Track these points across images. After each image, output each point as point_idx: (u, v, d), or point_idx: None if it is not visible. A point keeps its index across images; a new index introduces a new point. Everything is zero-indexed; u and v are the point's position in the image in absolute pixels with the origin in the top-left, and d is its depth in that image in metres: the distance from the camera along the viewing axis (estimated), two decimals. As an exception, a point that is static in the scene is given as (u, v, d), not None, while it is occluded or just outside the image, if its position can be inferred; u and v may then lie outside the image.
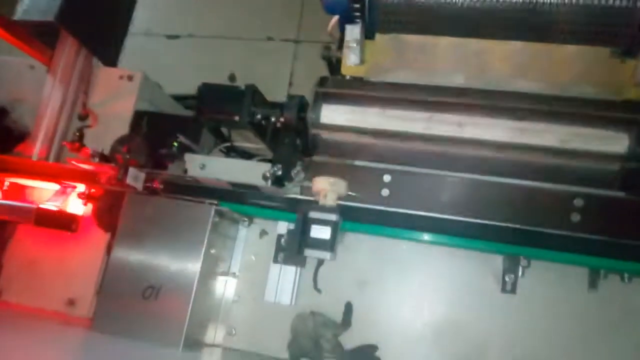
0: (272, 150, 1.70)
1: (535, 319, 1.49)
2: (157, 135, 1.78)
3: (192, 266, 1.49)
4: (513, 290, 1.50)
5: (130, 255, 1.52)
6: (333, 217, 1.35)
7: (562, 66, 1.34)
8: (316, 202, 1.42)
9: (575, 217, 1.38)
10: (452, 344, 1.52)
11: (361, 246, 1.61)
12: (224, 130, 1.98)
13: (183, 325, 1.44)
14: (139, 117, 1.88)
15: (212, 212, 1.52)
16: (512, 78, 1.37)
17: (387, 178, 1.49)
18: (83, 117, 1.91)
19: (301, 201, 1.49)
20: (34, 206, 1.58)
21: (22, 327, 1.55)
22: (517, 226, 1.41)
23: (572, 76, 1.33)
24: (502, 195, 1.43)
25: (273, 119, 1.54)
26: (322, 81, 1.50)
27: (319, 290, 1.60)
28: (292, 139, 1.64)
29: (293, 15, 3.00)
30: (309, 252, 1.35)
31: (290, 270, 1.57)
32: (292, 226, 1.59)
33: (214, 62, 3.02)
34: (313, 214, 1.37)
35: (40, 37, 1.88)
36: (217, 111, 1.55)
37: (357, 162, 1.50)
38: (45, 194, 1.83)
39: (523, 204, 1.41)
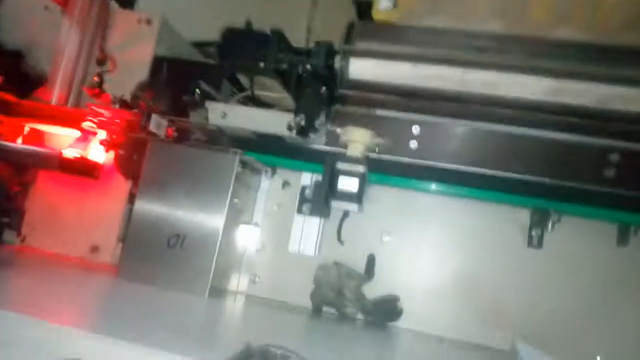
0: (295, 99, 1.65)
1: (560, 274, 1.48)
2: (177, 82, 1.74)
3: (217, 215, 1.48)
4: (540, 245, 1.49)
5: (154, 204, 1.51)
6: (361, 168, 1.33)
7: (608, 13, 1.27)
8: (343, 153, 1.40)
9: (609, 172, 1.34)
10: (474, 298, 1.52)
11: (384, 198, 1.59)
12: (242, 79, 1.94)
13: (209, 273, 1.45)
14: (158, 62, 1.83)
15: (237, 161, 1.49)
16: (554, 25, 1.30)
17: (415, 130, 1.45)
18: (101, 62, 1.86)
19: (327, 152, 1.46)
20: (57, 152, 1.56)
21: (50, 272, 1.56)
22: (548, 180, 1.39)
23: (619, 23, 1.26)
24: (534, 148, 1.40)
25: (299, 67, 1.48)
26: (351, 27, 1.44)
27: (342, 242, 1.59)
28: (316, 88, 1.60)
29: (312, -42, 2.87)
30: (336, 204, 1.33)
31: (314, 222, 1.56)
32: (316, 177, 1.58)
33: (229, 7, 2.91)
34: (340, 165, 1.34)
35: (54, -25, 1.82)
36: (242, 57, 1.49)
37: (385, 113, 1.46)
38: (65, 140, 1.81)
39: (556, 158, 1.38)
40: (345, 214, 1.50)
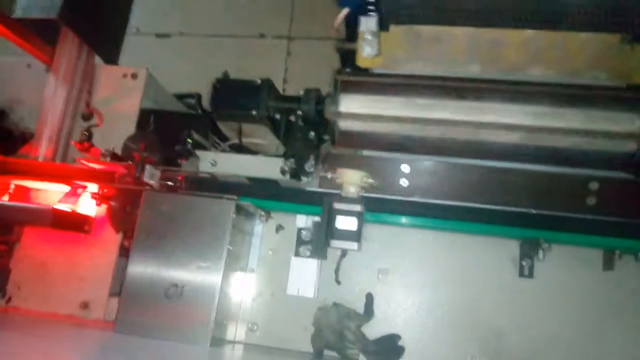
0: (285, 144, 1.70)
1: (553, 301, 1.53)
2: (165, 133, 1.77)
3: (215, 263, 1.47)
4: (531, 274, 1.54)
5: (150, 254, 1.50)
6: (358, 207, 1.37)
7: (575, 54, 1.38)
8: (339, 193, 1.43)
9: (591, 201, 1.42)
10: (472, 329, 1.54)
11: (377, 236, 1.62)
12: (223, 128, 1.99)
13: (209, 322, 1.43)
14: (145, 115, 1.85)
15: (233, 207, 1.51)
16: (526, 66, 1.40)
17: (405, 168, 1.51)
18: (87, 117, 1.88)
19: (324, 193, 1.49)
20: (49, 208, 1.54)
21: (41, 331, 1.52)
22: (534, 211, 1.45)
23: (584, 63, 1.37)
24: (520, 182, 1.47)
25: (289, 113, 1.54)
26: (338, 73, 1.51)
27: (339, 282, 1.60)
28: (305, 133, 1.65)
29: (284, 11, 3.00)
30: (335, 243, 1.36)
31: (312, 263, 1.58)
32: (311, 219, 1.60)
33: (206, 61, 3.00)
34: (338, 205, 1.38)
35: (39, 34, 1.84)
36: (233, 106, 1.54)
37: (375, 153, 1.51)
38: (51, 196, 1.79)
39: (540, 189, 1.45)
40: (343, 253, 1.52)
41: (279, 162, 1.70)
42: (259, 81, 1.53)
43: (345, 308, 1.56)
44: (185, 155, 1.63)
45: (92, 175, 1.62)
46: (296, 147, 1.65)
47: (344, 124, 1.44)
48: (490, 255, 1.59)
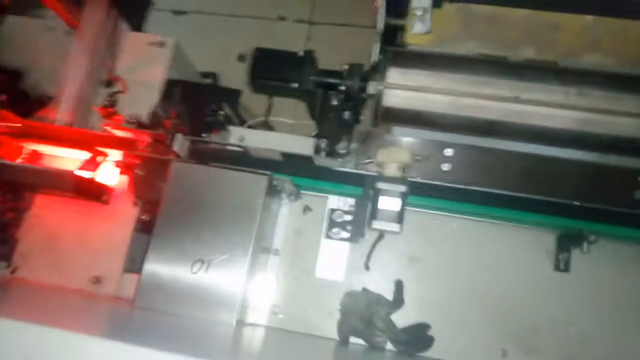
0: (318, 124, 1.64)
1: (589, 298, 1.48)
2: (191, 106, 1.70)
3: (245, 240, 1.41)
4: (567, 269, 1.50)
5: (177, 228, 1.42)
6: (402, 188, 1.31)
7: (636, 43, 1.34)
8: (380, 173, 1.37)
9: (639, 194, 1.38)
10: (504, 323, 1.49)
11: (410, 221, 1.56)
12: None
13: (236, 301, 1.36)
14: (171, 85, 1.78)
15: (266, 183, 1.44)
16: (584, 52, 1.36)
17: (448, 152, 1.45)
18: (110, 83, 1.80)
19: (361, 174, 1.43)
20: (71, 172, 1.46)
21: (51, 302, 1.43)
22: (578, 203, 1.41)
23: (641, 53, 1.33)
24: (565, 172, 1.42)
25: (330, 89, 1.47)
26: (385, 53, 1.45)
27: (367, 267, 1.54)
28: (339, 112, 1.59)
29: (306, -5, 2.93)
30: (377, 225, 1.30)
31: (343, 246, 1.52)
32: (343, 201, 1.54)
33: (223, 41, 2.92)
34: (381, 185, 1.32)
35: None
36: (273, 78, 1.47)
37: (418, 135, 1.46)
38: (67, 163, 1.70)
39: (586, 180, 1.41)
40: (380, 236, 1.46)
41: (310, 141, 1.64)
42: (301, 53, 1.46)
43: (375, 294, 1.50)
44: (218, 127, 1.55)
45: (117, 142, 1.54)
46: (330, 128, 1.60)
47: (389, 100, 1.37)
48: (525, 247, 1.54)
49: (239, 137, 1.66)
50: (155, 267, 1.41)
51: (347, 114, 1.59)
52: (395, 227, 1.29)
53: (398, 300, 1.50)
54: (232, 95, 1.74)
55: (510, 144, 1.41)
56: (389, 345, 1.48)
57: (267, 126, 1.87)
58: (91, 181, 1.53)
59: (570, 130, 1.33)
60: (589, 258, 1.47)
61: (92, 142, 1.57)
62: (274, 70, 1.47)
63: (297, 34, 2.88)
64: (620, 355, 1.43)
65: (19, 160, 1.66)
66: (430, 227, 1.57)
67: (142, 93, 1.76)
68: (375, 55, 1.69)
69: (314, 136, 1.65)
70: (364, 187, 1.35)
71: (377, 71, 1.43)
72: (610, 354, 1.44)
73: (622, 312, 1.45)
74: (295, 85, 1.45)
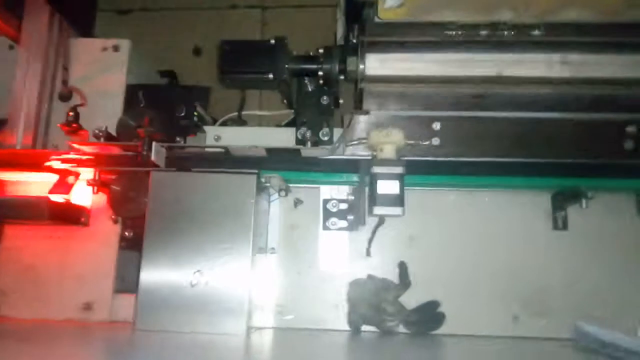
0: (296, 112, 1.57)
1: (589, 252, 1.50)
2: (158, 110, 1.60)
3: (242, 244, 1.34)
4: (565, 227, 1.51)
5: (167, 241, 1.35)
6: (399, 169, 1.27)
7: (609, -6, 1.33)
8: (372, 157, 1.33)
9: (629, 145, 1.38)
10: (512, 288, 1.49)
11: (407, 200, 1.53)
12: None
13: (243, 308, 1.31)
14: (133, 91, 1.66)
15: (255, 182, 1.37)
16: (560, 8, 1.34)
17: (436, 126, 1.42)
18: (65, 97, 1.67)
19: (352, 160, 1.38)
20: (45, 199, 1.35)
21: (45, 337, 1.34)
22: (571, 160, 1.40)
23: (622, 1, 1.31)
24: (552, 131, 1.41)
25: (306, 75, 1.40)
26: (358, 28, 1.39)
27: (369, 253, 1.50)
28: (317, 97, 1.53)
29: (255, -22, 2.81)
30: (379, 210, 1.25)
31: (342, 236, 1.48)
32: (336, 190, 1.50)
33: (173, 36, 2.78)
34: (377, 169, 1.27)
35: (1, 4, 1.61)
36: (246, 71, 1.39)
37: (404, 112, 1.41)
38: (33, 188, 1.58)
39: (577, 137, 1.40)
40: (380, 221, 1.42)
41: (289, 132, 1.58)
42: (272, 41, 1.39)
43: (381, 279, 1.47)
44: (193, 131, 1.47)
45: (88, 160, 1.43)
46: (309, 115, 1.54)
47: (370, 80, 1.32)
48: (522, 210, 1.54)
49: (214, 136, 1.58)
50: (151, 285, 1.33)
51: (325, 99, 1.53)
52: (397, 210, 1.25)
53: (405, 282, 1.48)
54: (202, 94, 1.64)
55: (496, 113, 1.38)
56: (401, 328, 1.46)
57: (240, 121, 1.79)
58: (67, 204, 1.43)
59: (554, 95, 1.31)
60: (585, 213, 1.48)
61: (62, 163, 1.45)
62: (245, 62, 1.39)
63: (251, 21, 2.76)
64: (628, 304, 1.45)
65: (-21, 192, 1.53)
66: (427, 204, 1.54)
67: (104, 103, 1.65)
68: (340, 33, 1.63)
69: (285, 125, 1.59)
70: (359, 172, 1.30)
71: (352, 51, 1.36)
72: (618, 305, 1.45)
73: (625, 262, 1.47)
74: (270, 76, 1.37)
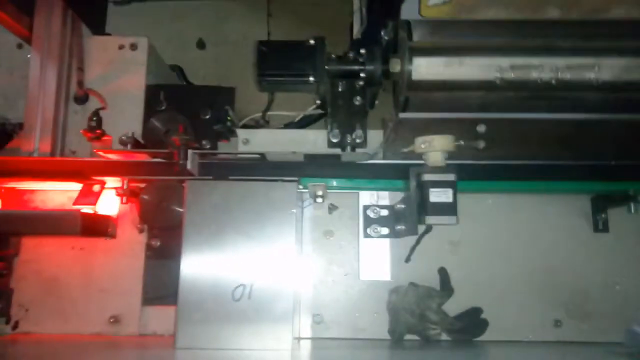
0: (331, 115, 1.51)
1: (630, 254, 1.48)
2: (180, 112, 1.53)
3: (285, 254, 1.29)
4: (606, 229, 1.49)
5: (206, 253, 1.28)
6: (451, 177, 1.22)
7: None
8: (422, 163, 1.28)
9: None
10: (553, 292, 1.47)
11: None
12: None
13: (289, 321, 1.26)
14: (153, 92, 1.58)
15: (295, 190, 1.32)
16: (609, 8, 1.29)
17: (481, 128, 1.37)
18: (81, 99, 1.58)
19: (410, 165, 1.32)
20: (77, 212, 1.26)
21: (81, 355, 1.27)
22: (614, 162, 1.38)
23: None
24: (596, 133, 1.38)
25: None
26: (394, 25, 1.32)
27: (408, 261, 1.46)
28: (349, 99, 1.47)
29: (262, -33, 2.71)
30: (432, 219, 1.21)
31: (383, 244, 1.43)
32: (375, 196, 1.45)
33: (175, 29, 2.67)
34: (428, 177, 1.22)
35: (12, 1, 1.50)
36: (285, 73, 1.32)
37: (448, 115, 1.36)
38: (50, 198, 1.50)
39: (623, 139, 1.37)
40: (427, 229, 1.37)
41: (319, 134, 1.53)
42: (311, 41, 1.32)
43: (424, 287, 1.43)
44: (226, 136, 1.40)
45: (117, 168, 1.35)
46: (340, 116, 1.48)
47: (417, 81, 1.26)
48: (561, 213, 1.51)
49: (243, 139, 1.52)
50: (191, 300, 1.27)
51: (358, 100, 1.47)
52: (451, 219, 1.20)
53: (447, 289, 1.44)
54: (227, 94, 1.57)
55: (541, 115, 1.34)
56: (443, 336, 1.43)
57: (262, 122, 1.72)
58: (95, 216, 1.35)
59: (600, 97, 1.27)
60: (627, 215, 1.46)
61: (87, 172, 1.37)
62: (284, 64, 1.31)
63: (256, 12, 2.67)
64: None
65: (-4, 204, 1.44)
66: (466, 208, 1.47)
67: (123, 106, 1.56)
68: (358, 27, 1.56)
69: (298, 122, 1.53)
70: (405, 179, 1.25)
71: (395, 50, 1.30)
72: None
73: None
74: (311, 78, 1.31)
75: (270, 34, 2.65)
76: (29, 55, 1.58)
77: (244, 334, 1.26)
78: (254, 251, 1.29)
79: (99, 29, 1.69)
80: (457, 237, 1.50)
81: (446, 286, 1.44)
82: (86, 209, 1.33)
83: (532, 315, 1.46)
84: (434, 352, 1.37)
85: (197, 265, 1.28)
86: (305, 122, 1.63)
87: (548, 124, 1.35)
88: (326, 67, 1.32)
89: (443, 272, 1.46)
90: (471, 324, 1.43)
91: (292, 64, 1.31)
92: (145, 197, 1.35)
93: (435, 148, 1.22)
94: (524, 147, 1.38)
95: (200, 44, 2.67)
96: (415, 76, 1.25)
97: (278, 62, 1.31)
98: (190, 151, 1.27)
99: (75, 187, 1.44)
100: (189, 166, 1.27)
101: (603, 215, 1.48)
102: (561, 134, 1.36)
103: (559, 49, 1.27)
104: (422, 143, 1.25)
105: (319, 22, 2.57)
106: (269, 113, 1.65)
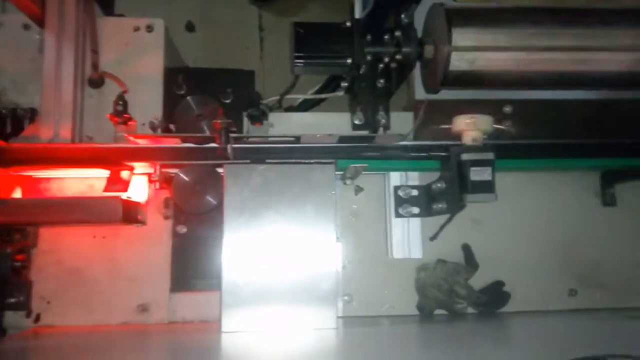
0: (355, 97, 1.52)
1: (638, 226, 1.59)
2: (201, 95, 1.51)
3: (326, 235, 1.31)
4: (613, 203, 1.59)
5: (248, 237, 1.28)
6: (490, 155, 1.26)
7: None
8: (458, 143, 1.32)
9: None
10: (569, 264, 1.56)
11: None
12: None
13: (334, 301, 1.28)
14: (172, 75, 1.54)
15: (334, 172, 1.33)
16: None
17: (507, 109, 1.43)
18: (97, 82, 1.52)
19: (450, 145, 1.35)
20: (118, 198, 1.23)
21: (116, 346, 1.25)
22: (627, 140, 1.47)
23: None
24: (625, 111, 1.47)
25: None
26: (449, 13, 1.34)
27: (432, 239, 1.51)
28: (372, 81, 1.49)
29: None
30: (472, 197, 1.25)
31: (415, 222, 1.47)
32: (405, 176, 1.49)
33: (162, 11, 2.58)
34: (467, 156, 1.26)
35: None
36: (322, 55, 1.32)
37: (475, 95, 1.41)
38: (69, 185, 1.45)
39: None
40: (461, 207, 1.42)
41: (342, 117, 1.54)
42: (348, 23, 1.32)
43: (453, 263, 1.48)
44: (260, 119, 1.39)
45: (146, 153, 1.32)
46: (363, 98, 1.49)
47: (454, 64, 1.29)
48: (574, 189, 1.60)
49: (268, 123, 1.51)
50: (234, 284, 1.27)
51: (381, 82, 1.49)
52: (491, 197, 1.25)
53: (472, 264, 1.50)
54: (247, 78, 1.55)
55: (568, 92, 1.41)
56: (469, 309, 1.49)
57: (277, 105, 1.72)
58: (129, 202, 1.31)
59: (626, 74, 1.35)
60: (631, 190, 1.56)
61: (111, 158, 1.33)
62: (321, 45, 1.31)
63: (246, -6, 2.62)
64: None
65: (16, 192, 1.38)
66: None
67: (142, 89, 1.51)
68: (358, 8, 1.58)
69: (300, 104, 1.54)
70: (449, 160, 1.29)
71: (431, 33, 1.33)
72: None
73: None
74: (349, 60, 1.31)
75: (262, 17, 2.62)
76: (37, 36, 1.51)
77: (288, 315, 1.27)
78: (295, 233, 1.30)
79: (108, 9, 1.62)
80: (479, 215, 1.56)
81: (471, 261, 1.50)
82: (123, 197, 1.29)
83: (550, 286, 1.54)
84: (464, 324, 1.43)
85: (238, 249, 1.28)
86: (305, 107, 1.63)
87: (569, 104, 1.42)
88: (363, 48, 1.32)
89: (467, 249, 1.52)
90: (494, 296, 1.50)
91: (329, 46, 1.31)
92: (185, 179, 1.33)
93: (478, 127, 1.26)
94: (546, 127, 1.45)
95: (189, 27, 2.61)
96: (452, 66, 1.28)
97: (315, 44, 1.31)
98: (231, 136, 1.26)
99: (94, 173, 1.40)
100: (229, 150, 1.26)
101: (611, 190, 1.58)
102: (582, 114, 1.44)
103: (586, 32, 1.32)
104: (465, 120, 1.28)
105: (312, 6, 2.56)
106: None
